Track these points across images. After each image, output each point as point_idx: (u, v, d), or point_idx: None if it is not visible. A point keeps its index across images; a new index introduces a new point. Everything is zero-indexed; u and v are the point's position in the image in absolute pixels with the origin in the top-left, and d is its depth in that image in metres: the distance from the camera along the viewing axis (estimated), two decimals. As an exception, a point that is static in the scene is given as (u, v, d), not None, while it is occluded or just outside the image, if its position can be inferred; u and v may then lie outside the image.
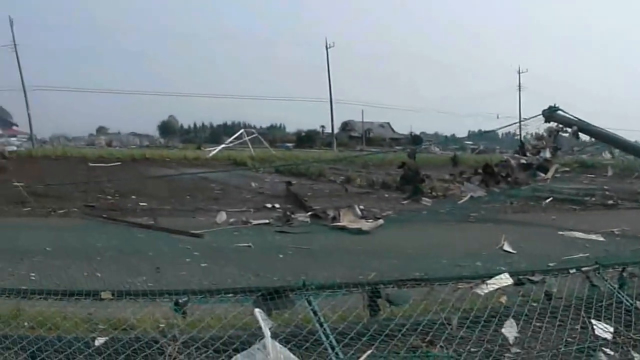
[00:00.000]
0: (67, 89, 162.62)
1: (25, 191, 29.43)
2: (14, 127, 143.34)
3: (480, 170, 34.02)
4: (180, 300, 7.66)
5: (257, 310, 7.10)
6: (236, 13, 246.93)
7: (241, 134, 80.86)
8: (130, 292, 8.27)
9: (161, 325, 7.90)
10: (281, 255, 16.24)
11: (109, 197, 31.04)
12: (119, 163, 55.99)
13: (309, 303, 7.77)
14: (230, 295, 7.95)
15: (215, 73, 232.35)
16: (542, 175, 30.13)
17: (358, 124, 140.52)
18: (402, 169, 34.40)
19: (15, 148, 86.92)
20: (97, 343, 7.45)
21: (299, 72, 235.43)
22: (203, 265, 14.72)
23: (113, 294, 7.84)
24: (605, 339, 8.10)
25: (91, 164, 53.82)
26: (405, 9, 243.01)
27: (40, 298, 7.75)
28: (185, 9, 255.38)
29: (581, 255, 15.54)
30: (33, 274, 13.49)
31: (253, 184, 37.35)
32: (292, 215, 23.42)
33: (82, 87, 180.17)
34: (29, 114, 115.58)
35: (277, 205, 26.95)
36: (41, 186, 31.93)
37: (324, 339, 7.29)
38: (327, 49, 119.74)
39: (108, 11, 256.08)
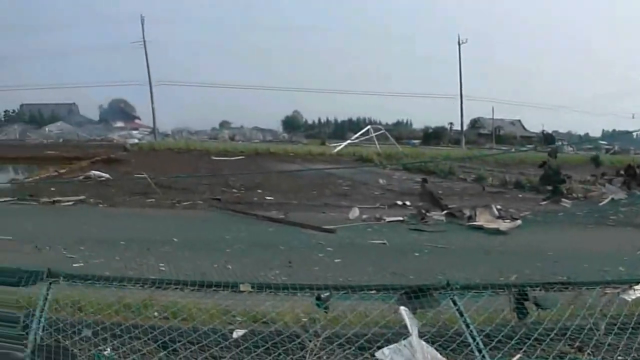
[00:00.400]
0: (192, 83, 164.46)
1: (150, 183, 29.58)
2: (136, 121, 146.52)
3: (622, 172, 32.77)
4: (322, 295, 7.29)
5: (402, 308, 6.78)
6: (360, 7, 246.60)
7: (368, 130, 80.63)
8: (270, 285, 8.05)
9: (303, 320, 7.58)
10: (417, 254, 15.72)
11: (234, 190, 31.00)
12: (243, 157, 56.35)
13: (454, 303, 7.23)
14: (373, 292, 7.52)
15: (341, 68, 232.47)
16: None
17: (488, 121, 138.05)
18: (543, 168, 33.27)
19: (136, 141, 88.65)
20: (235, 335, 7.38)
21: (427, 67, 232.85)
22: (337, 261, 14.35)
23: (252, 287, 7.54)
24: None
25: (214, 158, 54.33)
26: (536, 3, 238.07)
27: (176, 288, 7.58)
28: (306, 3, 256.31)
29: None
30: (162, 264, 13.49)
31: (381, 181, 36.67)
32: (427, 213, 22.66)
33: (206, 82, 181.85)
34: (153, 108, 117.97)
35: (407, 203, 26.27)
36: (165, 178, 31.98)
37: (470, 340, 6.77)
38: (459, 45, 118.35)
39: (233, 8, 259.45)
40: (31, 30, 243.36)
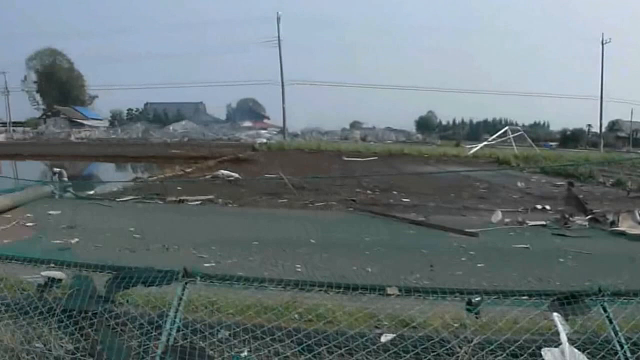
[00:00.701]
0: (323, 83, 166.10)
1: (282, 183, 30.40)
2: (265, 120, 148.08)
3: None
4: (473, 300, 7.10)
5: (556, 314, 6.69)
6: (498, 8, 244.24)
7: (505, 131, 79.85)
8: (418, 289, 7.75)
9: (454, 325, 7.59)
10: (561, 259, 15.22)
11: (369, 191, 30.87)
12: (376, 158, 56.45)
13: (604, 310, 7.00)
14: (525, 297, 7.29)
15: (477, 68, 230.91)
16: None
17: (626, 123, 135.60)
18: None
19: (265, 140, 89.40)
20: (383, 339, 7.31)
21: (566, 68, 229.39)
22: (479, 265, 14.04)
23: (400, 290, 7.36)
24: None
25: (346, 158, 54.59)
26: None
27: (320, 290, 7.40)
28: (441, 3, 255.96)
29: None
30: (298, 266, 13.43)
31: (519, 184, 36.06)
32: (570, 218, 21.87)
33: (338, 82, 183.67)
34: (283, 108, 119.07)
35: (547, 207, 25.55)
36: (295, 178, 31.97)
37: (618, 348, 6.61)
38: (602, 45, 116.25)
39: (366, 7, 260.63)
40: (159, 29, 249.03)
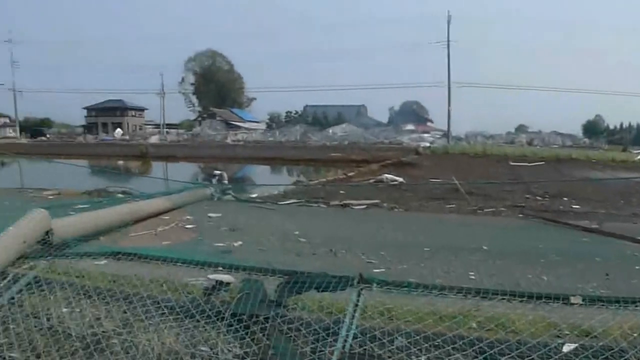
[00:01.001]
0: (490, 85, 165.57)
1: (448, 188, 30.79)
2: (428, 124, 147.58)
3: None
4: None
5: None
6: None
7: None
8: (602, 298, 8.12)
9: (633, 335, 7.54)
10: None
11: (539, 197, 30.45)
12: (542, 162, 55.80)
13: None
14: None
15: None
16: None
17: None
18: None
19: (428, 144, 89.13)
20: (565, 349, 7.35)
21: None
22: None
23: (583, 299, 7.77)
24: None
25: (512, 163, 54.15)
26: None
27: (502, 299, 7.76)
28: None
29: None
30: (472, 273, 13.19)
31: (685, 191, 34.99)
32: None
33: (504, 84, 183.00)
34: (449, 111, 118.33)
35: None
36: (461, 182, 31.94)
37: None
38: None
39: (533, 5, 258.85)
40: (319, 30, 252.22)
